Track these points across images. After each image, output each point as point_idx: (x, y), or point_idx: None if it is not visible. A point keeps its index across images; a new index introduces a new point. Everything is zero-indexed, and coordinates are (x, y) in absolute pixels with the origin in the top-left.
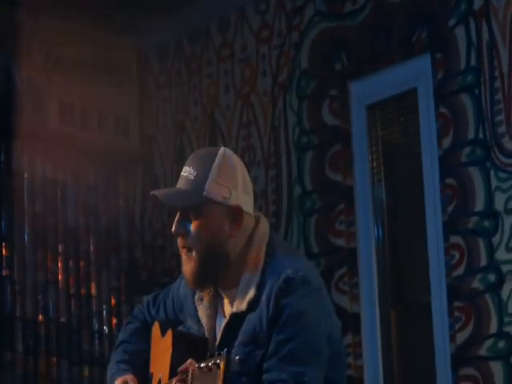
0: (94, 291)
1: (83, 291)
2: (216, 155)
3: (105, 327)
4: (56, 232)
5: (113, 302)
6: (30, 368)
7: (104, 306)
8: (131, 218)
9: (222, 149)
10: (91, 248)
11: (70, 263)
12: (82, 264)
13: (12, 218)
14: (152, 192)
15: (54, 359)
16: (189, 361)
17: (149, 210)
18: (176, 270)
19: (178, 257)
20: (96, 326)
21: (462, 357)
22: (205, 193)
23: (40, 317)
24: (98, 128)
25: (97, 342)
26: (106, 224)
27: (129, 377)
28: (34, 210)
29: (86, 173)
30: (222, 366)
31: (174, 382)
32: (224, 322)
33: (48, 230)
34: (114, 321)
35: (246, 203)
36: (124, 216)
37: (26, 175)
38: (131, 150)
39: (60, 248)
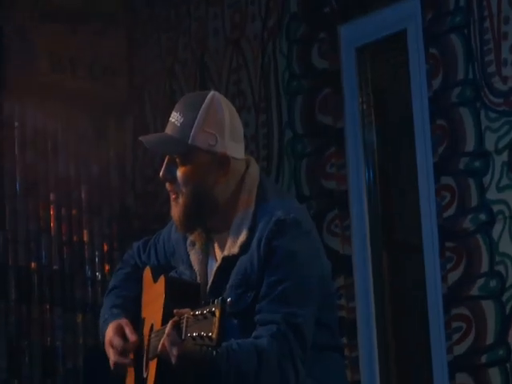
0: (86, 238)
1: (75, 238)
2: (204, 100)
3: (97, 274)
4: (47, 181)
5: (105, 248)
6: (23, 316)
7: (96, 253)
8: (122, 165)
9: (210, 93)
10: (83, 196)
11: (62, 211)
12: (74, 212)
13: (2, 168)
14: (140, 138)
15: (48, 306)
16: (186, 309)
17: (140, 157)
18: (167, 217)
19: (170, 203)
20: (89, 273)
21: (453, 297)
22: (190, 140)
23: (33, 265)
24: (88, 76)
25: (90, 288)
26: (97, 172)
27: (122, 321)
28: (25, 159)
29: (76, 121)
30: (217, 314)
31: (168, 327)
32: (216, 265)
33: (39, 178)
34: (107, 267)
35: (234, 149)
36: (115, 163)
37: (16, 124)
38: (121, 98)
39: (52, 196)
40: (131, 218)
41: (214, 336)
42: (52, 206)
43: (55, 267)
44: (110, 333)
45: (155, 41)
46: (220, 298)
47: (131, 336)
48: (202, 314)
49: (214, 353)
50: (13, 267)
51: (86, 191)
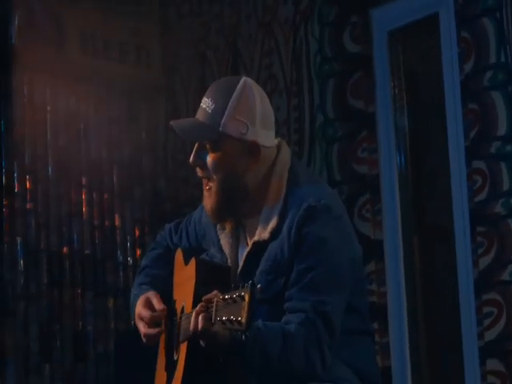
0: (117, 223)
1: (107, 223)
2: (235, 87)
3: (129, 259)
4: (79, 165)
5: (137, 233)
6: (55, 300)
7: (128, 238)
8: (154, 150)
9: (242, 79)
10: (114, 180)
11: (94, 195)
12: (105, 196)
13: (35, 152)
14: (171, 122)
15: (79, 291)
16: (214, 292)
17: (172, 141)
18: (199, 201)
19: (201, 187)
20: (120, 258)
21: (484, 282)
22: (221, 128)
23: (64, 249)
24: (120, 59)
25: (121, 273)
26: (129, 156)
27: (149, 293)
28: (57, 142)
29: (108, 105)
30: (247, 298)
31: (198, 310)
32: (246, 250)
33: (71, 162)
34: (138, 252)
35: (265, 137)
36: (147, 147)
37: (48, 108)
38: (153, 81)
39: (83, 180)
40: (163, 202)
41: (243, 320)
42: (84, 191)
43: (87, 252)
44: (138, 307)
45: (188, 25)
46: (250, 282)
47: (158, 305)
48: (231, 297)
49: (243, 337)
50: (45, 251)
51: (117, 175)
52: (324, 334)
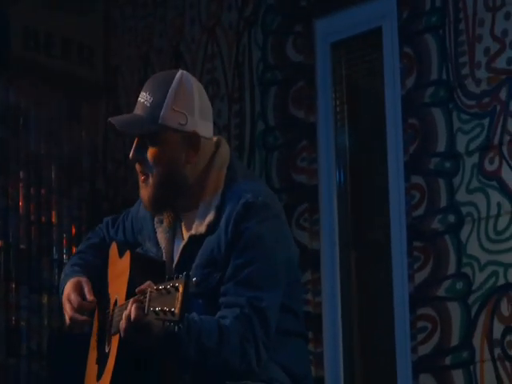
0: (54, 220)
1: (44, 219)
2: (173, 79)
3: (65, 256)
4: (18, 158)
5: (73, 231)
6: None
7: (64, 235)
8: (94, 148)
9: (179, 72)
10: (53, 176)
11: (32, 190)
12: (43, 192)
13: None
14: (109, 119)
15: (13, 285)
16: (147, 282)
17: (111, 140)
18: (136, 201)
19: (139, 187)
20: (56, 255)
21: (420, 297)
22: (160, 120)
23: (0, 242)
24: (62, 55)
25: (56, 270)
26: (68, 153)
27: (82, 279)
28: None
29: (49, 100)
30: (180, 289)
31: (131, 302)
32: (182, 243)
33: (10, 156)
34: (74, 250)
35: (204, 128)
36: (87, 145)
37: None
38: (95, 79)
39: (21, 174)
40: (101, 201)
41: (176, 311)
42: (21, 185)
43: (22, 246)
44: (68, 288)
45: (132, 26)
46: (184, 273)
47: (89, 295)
48: (165, 288)
49: (176, 328)
50: None
51: (56, 172)
52: (259, 330)
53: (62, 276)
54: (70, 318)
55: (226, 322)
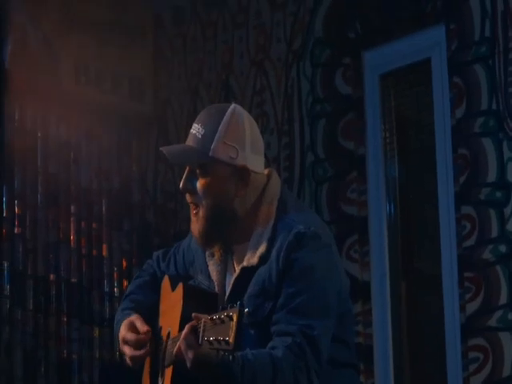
0: (105, 253)
1: (95, 252)
2: (225, 113)
3: (115, 289)
4: (69, 192)
5: (124, 264)
6: (40, 326)
7: (115, 268)
8: (144, 181)
9: (232, 106)
10: (103, 210)
11: (82, 224)
12: (94, 225)
13: (25, 177)
14: (161, 148)
15: (65, 318)
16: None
17: (162, 173)
18: (187, 234)
19: (190, 220)
20: (107, 288)
21: (471, 327)
22: (211, 153)
23: (51, 276)
24: (113, 89)
25: (107, 303)
26: (118, 186)
27: (132, 317)
28: (48, 169)
29: (99, 134)
30: (234, 318)
31: (185, 331)
32: (234, 275)
33: (61, 190)
34: (125, 283)
35: (255, 162)
36: (137, 178)
37: (39, 134)
38: (145, 113)
39: (72, 208)
40: (151, 234)
41: (230, 340)
42: (72, 219)
43: (73, 280)
44: (122, 331)
45: (181, 59)
46: (238, 302)
47: (142, 328)
48: (219, 318)
49: (231, 357)
50: (31, 277)
51: (106, 205)
52: (311, 359)
53: (115, 323)
54: (131, 358)
55: (278, 353)
